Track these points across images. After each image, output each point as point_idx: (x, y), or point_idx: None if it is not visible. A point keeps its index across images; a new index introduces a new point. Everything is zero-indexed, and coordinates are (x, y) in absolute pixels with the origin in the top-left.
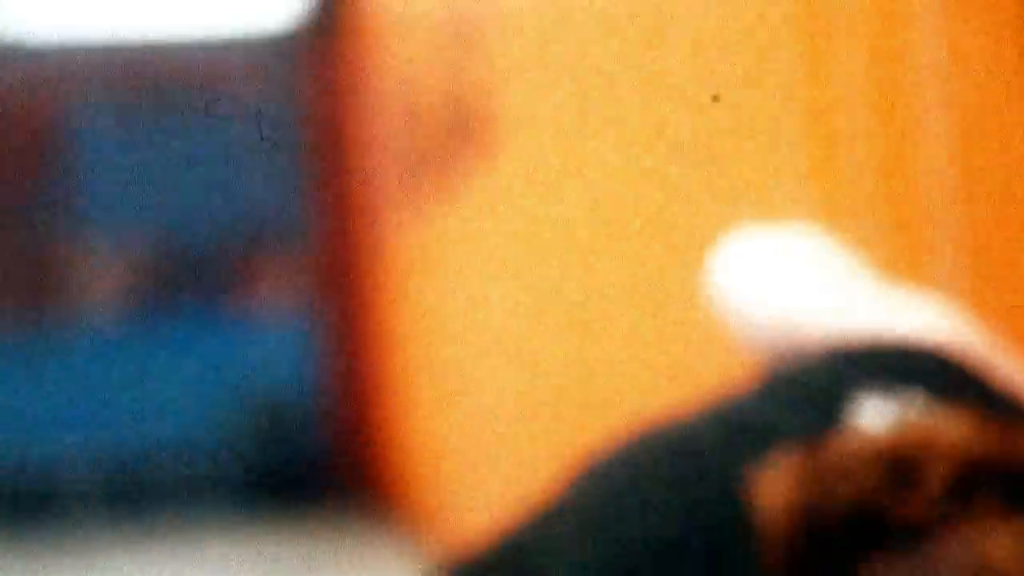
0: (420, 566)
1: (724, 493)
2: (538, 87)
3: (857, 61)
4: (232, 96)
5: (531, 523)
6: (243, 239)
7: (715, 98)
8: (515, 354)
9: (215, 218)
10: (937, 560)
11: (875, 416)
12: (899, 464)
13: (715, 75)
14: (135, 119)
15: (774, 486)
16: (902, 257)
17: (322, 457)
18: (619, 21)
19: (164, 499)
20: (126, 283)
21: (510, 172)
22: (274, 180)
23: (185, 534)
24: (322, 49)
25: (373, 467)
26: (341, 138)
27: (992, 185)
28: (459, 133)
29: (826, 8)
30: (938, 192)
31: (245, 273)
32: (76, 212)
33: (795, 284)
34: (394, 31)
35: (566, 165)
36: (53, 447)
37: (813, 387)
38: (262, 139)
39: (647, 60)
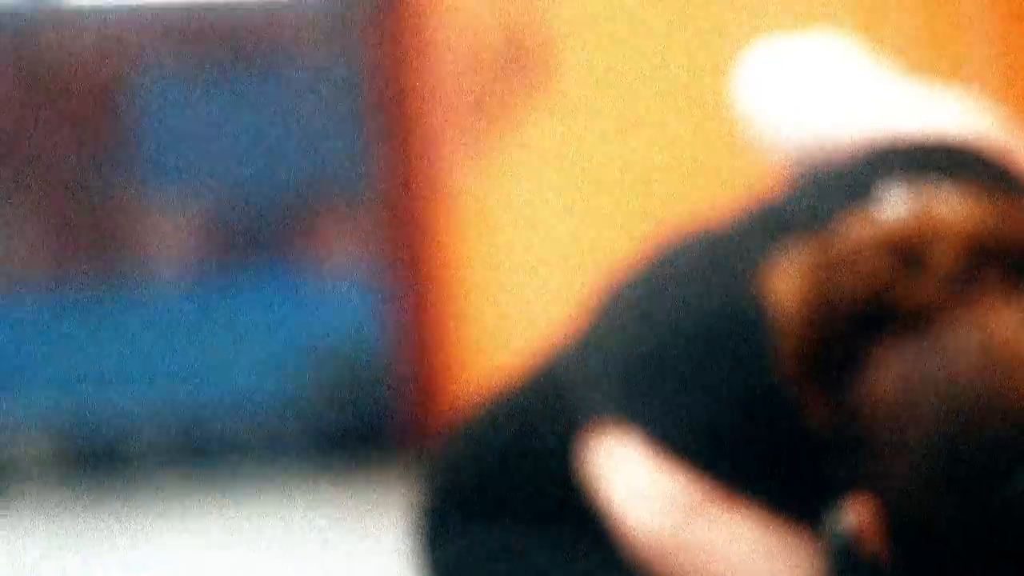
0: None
1: (744, 286)
2: (589, 26)
3: None
4: (295, 53)
5: (564, 343)
6: (308, 195)
7: None
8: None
9: (280, 175)
10: (944, 340)
11: (895, 205)
12: (906, 249)
13: None
14: (202, 78)
15: (786, 277)
16: (934, 54)
17: (388, 413)
18: None
19: (231, 454)
20: (193, 241)
21: (564, 113)
22: (338, 136)
23: (251, 489)
24: (381, 3)
25: (438, 422)
26: (402, 90)
27: None
28: (517, 76)
29: None
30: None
31: (310, 230)
32: (144, 170)
33: (821, 89)
34: None
35: (617, 106)
36: (121, 403)
37: (838, 182)
38: (326, 95)
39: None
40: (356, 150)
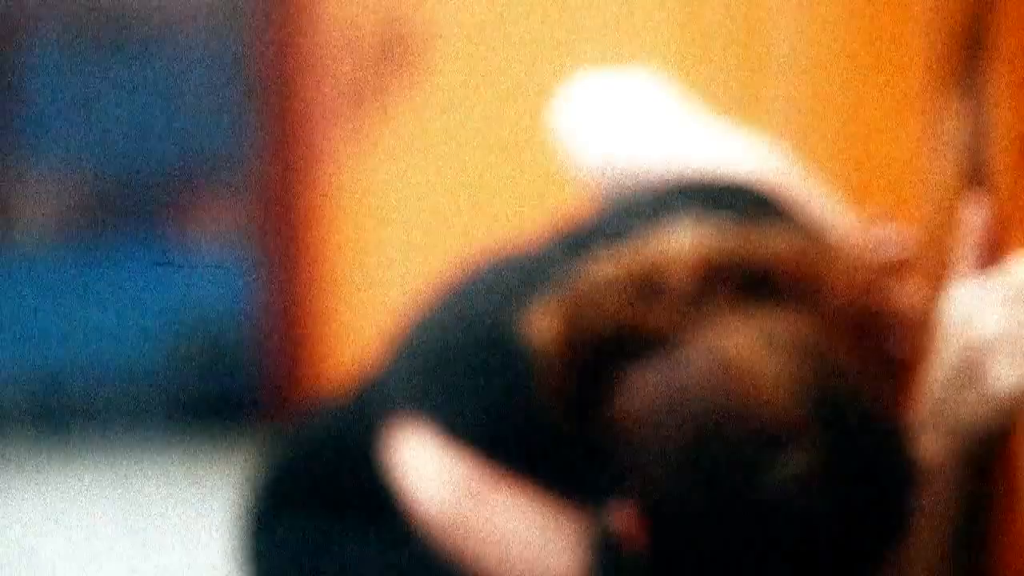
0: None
1: (529, 303)
2: (467, 20)
3: None
4: (179, 30)
5: (387, 350)
6: (186, 170)
7: None
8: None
9: (160, 149)
10: (682, 358)
11: (650, 238)
12: (642, 277)
13: None
14: (86, 51)
15: (541, 316)
16: (742, 100)
17: (250, 387)
18: None
19: (96, 421)
20: (67, 209)
21: (440, 97)
22: (218, 113)
23: (116, 456)
24: None
25: (299, 400)
26: (283, 71)
27: (831, 44)
28: (394, 65)
29: None
30: (780, 42)
31: (186, 204)
32: (20, 138)
33: (629, 125)
34: None
35: (494, 88)
36: None
37: (627, 215)
38: (208, 72)
39: None
40: (235, 128)
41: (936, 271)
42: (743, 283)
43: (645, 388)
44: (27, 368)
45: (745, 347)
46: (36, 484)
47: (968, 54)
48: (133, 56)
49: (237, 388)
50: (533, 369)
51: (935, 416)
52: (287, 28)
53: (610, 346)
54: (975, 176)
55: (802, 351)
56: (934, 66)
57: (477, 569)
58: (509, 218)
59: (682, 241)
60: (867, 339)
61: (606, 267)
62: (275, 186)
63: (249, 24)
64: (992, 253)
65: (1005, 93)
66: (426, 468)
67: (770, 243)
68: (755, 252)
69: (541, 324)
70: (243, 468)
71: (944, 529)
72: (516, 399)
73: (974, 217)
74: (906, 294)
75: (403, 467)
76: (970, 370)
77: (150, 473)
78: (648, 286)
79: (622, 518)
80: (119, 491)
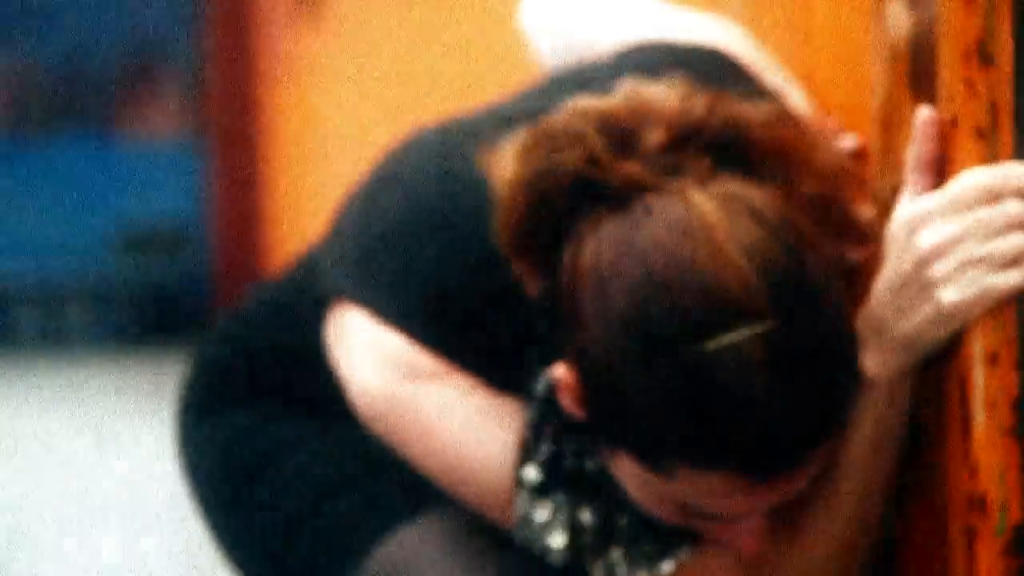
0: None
1: (467, 167)
2: None
3: None
4: None
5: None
6: (129, 59)
7: None
8: None
9: (101, 36)
10: (644, 214)
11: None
12: (616, 128)
13: None
14: None
15: (505, 153)
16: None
17: (205, 283)
18: None
19: (42, 321)
20: (7, 99)
21: None
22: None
23: (65, 359)
24: None
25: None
26: None
27: None
28: None
29: None
30: None
31: (130, 94)
32: None
33: (594, 12)
34: None
35: None
36: None
37: (574, 78)
38: None
39: None
40: (183, 17)
41: (881, 181)
42: (716, 147)
43: (600, 239)
44: None
45: (710, 211)
46: None
47: None
48: None
49: (187, 286)
50: (492, 211)
51: (880, 329)
52: None
53: (571, 192)
54: (923, 85)
55: (769, 226)
56: None
57: (410, 457)
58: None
59: (658, 95)
60: (829, 232)
61: (574, 113)
62: (225, 77)
63: None
64: (939, 164)
65: (954, 1)
66: (362, 351)
67: (747, 109)
68: (732, 116)
69: (503, 161)
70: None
71: (887, 441)
72: (453, 277)
73: (921, 128)
74: (862, 198)
75: (340, 350)
76: (915, 283)
77: (100, 376)
78: (620, 136)
79: (560, 373)
80: (70, 395)
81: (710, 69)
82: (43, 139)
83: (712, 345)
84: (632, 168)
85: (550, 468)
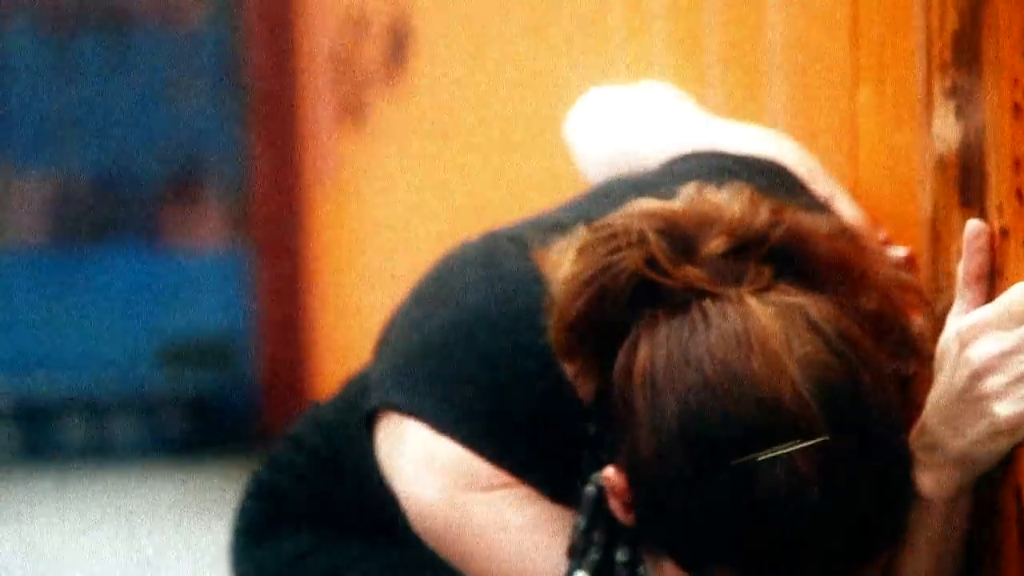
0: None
1: (521, 272)
2: (448, 5)
3: None
4: (169, 19)
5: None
6: (174, 169)
7: None
8: None
9: (147, 146)
10: (703, 320)
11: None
12: (679, 232)
13: None
14: (67, 40)
15: (564, 254)
16: (743, 101)
17: (250, 393)
18: None
19: (84, 429)
20: (53, 210)
21: (425, 92)
22: (210, 107)
23: (106, 468)
24: None
25: (301, 405)
26: (278, 64)
27: (826, 54)
28: (393, 55)
29: None
30: (776, 50)
31: (176, 204)
32: (4, 136)
33: (640, 123)
34: None
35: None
36: None
37: (629, 185)
38: (197, 62)
39: None
40: (229, 130)
41: (930, 292)
42: (777, 257)
43: (655, 343)
44: (12, 377)
45: (767, 320)
46: (24, 499)
47: (965, 69)
48: (125, 51)
49: (232, 398)
50: (542, 313)
51: (934, 446)
52: (281, 14)
53: (631, 294)
54: (971, 195)
55: (825, 338)
56: (930, 81)
57: (465, 568)
58: (505, 212)
59: (722, 201)
60: (885, 347)
61: (636, 214)
62: (269, 187)
63: (244, 18)
64: (990, 277)
65: (1002, 112)
66: (417, 463)
67: (809, 221)
68: (794, 227)
69: (559, 262)
70: (239, 480)
71: (944, 560)
72: (506, 383)
73: (971, 240)
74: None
75: (393, 463)
76: (969, 398)
77: (144, 489)
78: (680, 239)
79: (610, 476)
80: (114, 508)
81: (766, 178)
82: (87, 250)
83: (763, 457)
84: (692, 272)
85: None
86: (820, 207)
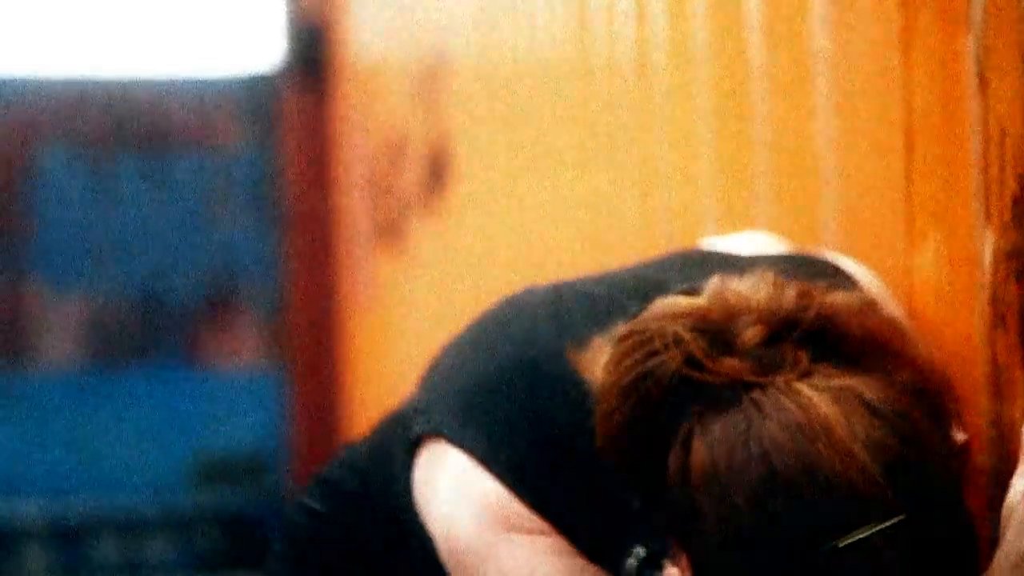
0: None
1: (580, 337)
2: (487, 132)
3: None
4: (206, 141)
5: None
6: (210, 289)
7: None
8: None
9: (184, 265)
10: (760, 409)
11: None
12: (714, 326)
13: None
14: (104, 161)
15: (600, 359)
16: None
17: (284, 511)
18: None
19: (122, 551)
20: (89, 330)
21: (464, 215)
22: (246, 228)
23: None
24: (301, 93)
25: None
26: (316, 187)
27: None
28: (432, 180)
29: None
30: (827, 183)
31: (212, 325)
32: (39, 256)
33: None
34: (374, 76)
35: (513, 208)
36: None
37: (674, 266)
38: (233, 183)
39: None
40: (265, 243)
41: (990, 453)
42: (812, 338)
43: (712, 440)
44: (47, 497)
45: (824, 407)
46: None
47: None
48: (163, 172)
49: (267, 516)
50: (592, 411)
51: None
52: (318, 135)
53: (675, 396)
54: None
55: (883, 418)
56: (991, 240)
57: None
58: None
59: (746, 290)
60: (935, 421)
61: (665, 315)
62: (305, 307)
63: (277, 129)
64: None
65: None
66: (455, 492)
67: (837, 298)
68: (824, 305)
69: (597, 367)
70: None
71: None
72: (564, 433)
73: None
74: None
75: (429, 489)
76: None
77: None
78: (716, 334)
79: (674, 566)
80: None
81: (828, 276)
82: (123, 369)
83: (844, 544)
84: (734, 365)
85: None
86: (861, 291)
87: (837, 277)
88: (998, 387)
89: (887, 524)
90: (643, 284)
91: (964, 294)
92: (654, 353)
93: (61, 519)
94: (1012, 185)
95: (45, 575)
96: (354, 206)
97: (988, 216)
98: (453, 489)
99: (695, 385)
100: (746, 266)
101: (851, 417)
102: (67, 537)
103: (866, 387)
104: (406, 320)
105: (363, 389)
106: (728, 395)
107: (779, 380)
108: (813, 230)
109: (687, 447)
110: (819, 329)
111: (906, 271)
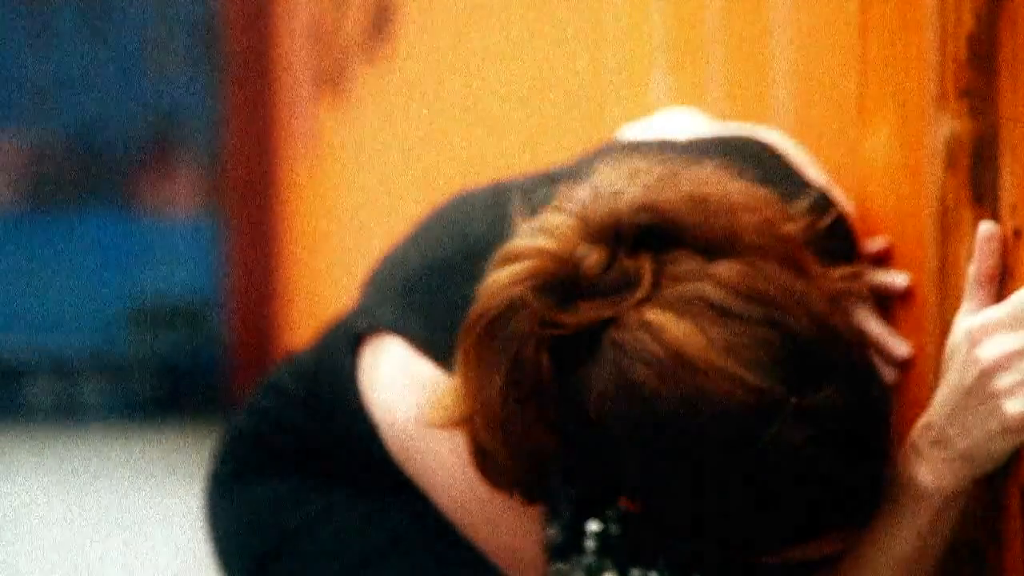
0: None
1: (505, 229)
2: None
3: None
4: None
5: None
6: (151, 134)
7: None
8: None
9: (122, 111)
10: (621, 351)
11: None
12: (555, 276)
13: None
14: (46, 8)
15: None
16: (738, 110)
17: (223, 359)
18: None
19: (56, 394)
20: (24, 174)
21: (409, 65)
22: (186, 74)
23: (75, 433)
24: None
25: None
26: (257, 33)
27: (831, 54)
28: (376, 26)
29: None
30: (778, 50)
31: (149, 169)
32: None
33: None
34: None
35: (459, 57)
36: None
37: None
38: (171, 26)
39: None
40: (205, 91)
41: (943, 293)
42: (648, 240)
43: (596, 394)
44: None
45: (676, 330)
46: None
47: (979, 68)
48: (97, 12)
49: (202, 362)
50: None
51: (940, 441)
52: None
53: (547, 355)
54: (984, 197)
55: (736, 316)
56: (943, 80)
57: (434, 491)
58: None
59: (591, 197)
60: (798, 272)
61: (507, 282)
62: (244, 154)
63: None
64: (1001, 278)
65: (1017, 111)
66: (395, 380)
67: (663, 194)
68: (658, 201)
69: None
70: (206, 443)
71: (927, 555)
72: None
73: (983, 242)
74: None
75: (371, 381)
76: (978, 395)
77: (113, 452)
78: (560, 284)
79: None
80: (82, 470)
81: (747, 156)
82: (60, 214)
83: (755, 450)
84: (587, 308)
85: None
86: (809, 191)
87: (762, 156)
88: (946, 227)
89: (784, 416)
90: (573, 180)
91: (918, 132)
92: (509, 329)
93: None
94: (968, 24)
95: None
96: (295, 53)
97: (943, 54)
98: (395, 376)
99: (560, 340)
100: (666, 153)
101: (706, 329)
102: (1, 377)
103: (713, 285)
104: (346, 167)
105: (300, 238)
106: (590, 341)
107: (631, 313)
108: (763, 69)
109: (580, 400)
110: (655, 228)
111: (859, 109)
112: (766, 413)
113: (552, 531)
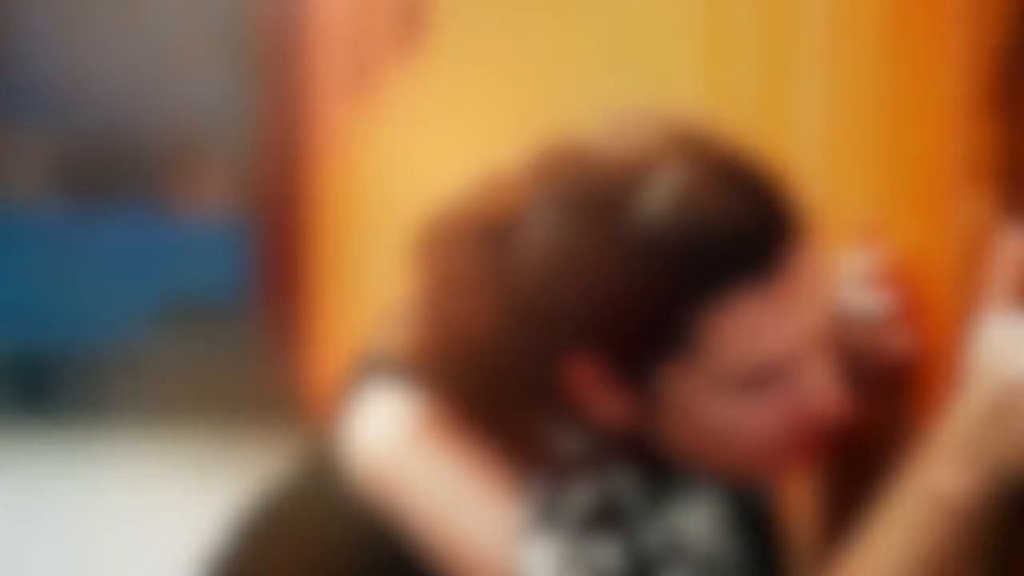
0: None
1: None
2: None
3: None
4: None
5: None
6: (182, 133)
7: None
8: None
9: (155, 111)
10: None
11: None
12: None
13: None
14: (75, 7)
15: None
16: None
17: (250, 356)
18: None
19: (81, 394)
20: (56, 173)
21: (440, 65)
22: (218, 74)
23: (103, 432)
24: None
25: (301, 371)
26: (287, 36)
27: (863, 60)
28: (409, 25)
29: None
30: (809, 56)
31: (183, 168)
32: (4, 95)
33: None
34: None
35: (497, 64)
36: None
37: None
38: (202, 25)
39: None
40: (234, 92)
41: (970, 304)
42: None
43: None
44: (9, 336)
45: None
46: (18, 460)
47: (1008, 77)
48: (129, 10)
49: (231, 360)
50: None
51: (967, 450)
52: None
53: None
54: (1012, 206)
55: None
56: (971, 89)
57: (408, 525)
58: None
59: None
60: None
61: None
62: (274, 154)
63: None
64: None
65: None
66: (377, 415)
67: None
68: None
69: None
70: (237, 442)
71: (977, 571)
72: None
73: (1010, 250)
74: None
75: (358, 425)
76: (1006, 408)
77: (142, 449)
78: (494, 233)
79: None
80: (111, 468)
81: None
82: (90, 212)
83: (646, 210)
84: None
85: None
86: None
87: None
88: (973, 239)
89: (669, 171)
90: None
91: (945, 141)
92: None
93: (23, 354)
94: (1000, 34)
95: (8, 411)
96: (327, 52)
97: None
98: (376, 412)
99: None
100: None
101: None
102: (29, 372)
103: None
104: (377, 168)
105: (330, 238)
106: (509, 229)
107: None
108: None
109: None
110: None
111: (889, 120)
112: (644, 171)
113: (568, 444)
